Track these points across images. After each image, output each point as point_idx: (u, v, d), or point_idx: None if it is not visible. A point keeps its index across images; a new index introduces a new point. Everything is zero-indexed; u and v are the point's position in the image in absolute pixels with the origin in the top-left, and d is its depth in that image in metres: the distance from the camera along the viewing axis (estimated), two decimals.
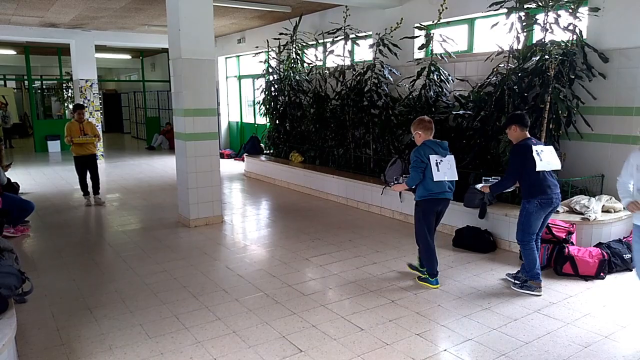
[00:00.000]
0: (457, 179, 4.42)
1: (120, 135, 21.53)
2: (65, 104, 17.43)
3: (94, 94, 12.80)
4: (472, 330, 3.63)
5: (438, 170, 4.26)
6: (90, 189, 7.98)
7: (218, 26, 11.79)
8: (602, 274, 4.58)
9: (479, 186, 4.67)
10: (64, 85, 17.18)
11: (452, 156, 4.40)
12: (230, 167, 12.11)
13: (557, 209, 4.63)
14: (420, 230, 4.51)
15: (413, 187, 4.47)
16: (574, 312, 3.92)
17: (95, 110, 12.90)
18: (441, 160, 4.31)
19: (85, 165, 7.73)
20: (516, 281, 4.44)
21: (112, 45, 14.15)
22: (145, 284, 4.57)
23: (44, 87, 21.23)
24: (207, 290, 4.39)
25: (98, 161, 12.89)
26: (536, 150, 4.17)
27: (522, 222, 4.31)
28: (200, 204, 6.57)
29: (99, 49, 13.61)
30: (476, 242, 5.44)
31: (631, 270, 4.75)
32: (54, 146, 15.34)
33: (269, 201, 8.47)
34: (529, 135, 4.34)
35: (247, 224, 6.94)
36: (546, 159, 4.19)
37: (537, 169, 4.11)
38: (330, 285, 4.53)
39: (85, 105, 7.85)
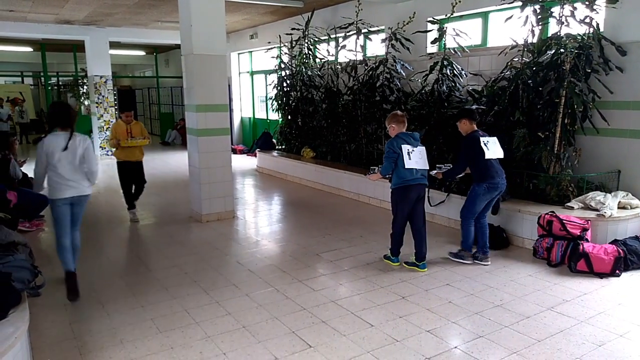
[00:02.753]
0: (427, 168, 4.77)
1: None
2: (81, 100, 17.62)
3: (108, 90, 12.91)
4: (484, 327, 3.59)
5: (410, 159, 4.61)
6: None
7: (230, 22, 11.80)
8: (617, 271, 4.50)
9: (432, 172, 5.00)
10: (79, 81, 17.37)
11: (424, 147, 4.76)
12: (243, 162, 12.15)
13: (504, 196, 5.25)
14: (396, 218, 4.85)
15: (387, 175, 4.79)
16: (588, 310, 3.85)
17: (110, 107, 13.02)
18: (413, 150, 4.66)
19: (131, 173, 6.60)
20: (461, 259, 4.93)
21: (126, 42, 14.26)
22: (157, 278, 4.60)
23: (60, 83, 21.48)
24: (217, 285, 4.40)
25: (112, 158, 13.16)
26: (483, 141, 4.74)
27: (469, 201, 4.88)
28: (212, 200, 6.60)
29: (113, 45, 13.72)
30: (489, 238, 5.34)
31: None
32: None
33: (280, 196, 8.47)
34: (476, 128, 4.91)
35: (259, 219, 6.95)
36: (492, 148, 4.78)
37: (486, 157, 4.69)
38: (340, 281, 4.52)
39: (132, 105, 6.99)
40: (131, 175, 6.63)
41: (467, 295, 4.14)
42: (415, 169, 4.63)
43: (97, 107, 12.85)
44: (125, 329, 3.59)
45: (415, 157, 4.63)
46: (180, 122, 16.05)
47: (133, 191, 6.74)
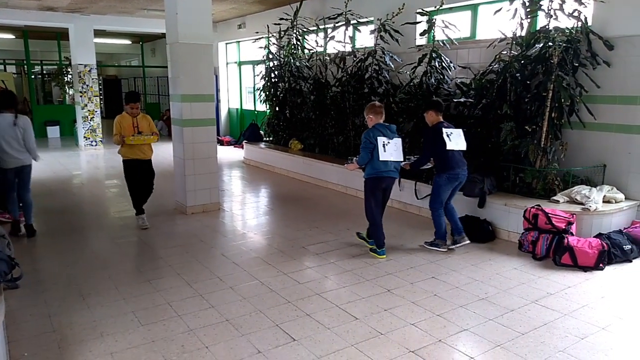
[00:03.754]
0: (402, 160, 4.88)
1: None
2: (65, 89, 17.32)
3: (92, 79, 12.69)
4: (468, 320, 3.58)
5: (385, 151, 4.69)
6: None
7: (218, 11, 11.64)
8: (601, 265, 4.53)
9: (402, 164, 5.05)
10: (64, 70, 17.06)
11: (400, 139, 4.84)
12: (230, 154, 12.04)
13: (465, 183, 5.23)
14: (368, 206, 4.93)
15: (363, 166, 4.88)
16: (572, 303, 3.87)
17: (95, 96, 12.80)
18: (388, 142, 4.73)
19: (138, 172, 5.81)
20: (436, 247, 5.06)
21: (112, 30, 13.98)
22: (140, 271, 4.53)
23: (44, 72, 21.09)
24: (201, 277, 4.35)
25: (96, 148, 13.02)
26: (446, 133, 4.86)
27: (434, 192, 5.06)
28: (198, 191, 6.52)
29: (98, 33, 13.45)
30: (475, 231, 5.38)
31: (631, 262, 4.71)
32: (53, 132, 15.29)
33: (267, 189, 8.41)
34: (442, 120, 5.04)
35: (245, 211, 6.89)
36: (455, 140, 4.88)
37: (447, 148, 4.80)
38: (326, 273, 4.49)
39: (139, 94, 5.96)
40: (139, 175, 5.82)
41: (452, 288, 4.14)
42: (389, 161, 4.74)
43: (81, 96, 12.62)
44: (106, 322, 3.52)
45: (390, 149, 4.72)
46: (166, 112, 15.85)
47: (142, 194, 5.95)
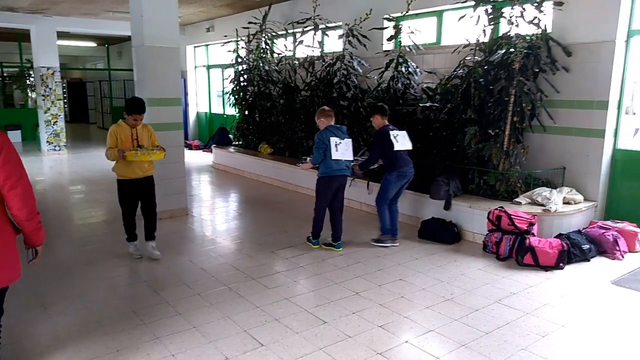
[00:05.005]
0: (352, 159, 5.17)
1: (86, 126, 20.92)
2: (27, 92, 16.80)
3: (56, 82, 12.36)
4: (434, 321, 3.65)
5: (337, 151, 4.99)
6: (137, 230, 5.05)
7: (185, 14, 11.52)
8: (561, 264, 4.68)
9: (351, 164, 5.31)
10: (25, 73, 16.55)
11: (350, 140, 5.14)
12: (198, 158, 11.91)
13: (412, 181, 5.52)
14: (318, 203, 5.22)
15: (317, 165, 5.14)
16: (534, 302, 3.98)
17: (58, 100, 12.47)
18: (340, 142, 5.03)
19: (136, 193, 4.86)
20: (381, 243, 5.32)
21: (76, 32, 13.66)
22: (105, 278, 4.44)
23: (4, 74, 20.40)
24: (168, 284, 4.29)
25: (60, 153, 12.67)
26: (393, 135, 5.21)
27: (382, 189, 5.34)
28: (165, 196, 6.42)
29: (62, 35, 13.12)
30: (441, 233, 5.49)
31: (589, 261, 4.88)
32: (14, 136, 14.75)
33: (237, 193, 8.36)
34: (387, 123, 5.37)
35: (214, 216, 6.83)
36: (401, 141, 5.25)
37: (395, 149, 5.16)
38: (295, 278, 4.49)
39: (144, 102, 4.70)
40: (136, 196, 4.88)
41: (419, 290, 4.21)
42: (341, 160, 5.03)
43: (44, 99, 12.27)
44: (69, 333, 3.43)
45: (341, 149, 5.02)
46: None
47: (145, 218, 4.99)
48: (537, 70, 5.65)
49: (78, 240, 5.60)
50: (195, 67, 14.14)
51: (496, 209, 5.16)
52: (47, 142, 12.43)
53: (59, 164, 11.13)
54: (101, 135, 17.44)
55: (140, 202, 4.94)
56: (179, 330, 3.47)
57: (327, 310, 3.81)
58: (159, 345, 3.27)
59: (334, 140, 5.00)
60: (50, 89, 12.32)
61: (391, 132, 5.23)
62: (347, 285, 4.30)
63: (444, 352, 3.22)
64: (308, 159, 5.31)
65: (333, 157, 4.97)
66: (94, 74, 21.75)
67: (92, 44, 17.95)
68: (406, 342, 3.36)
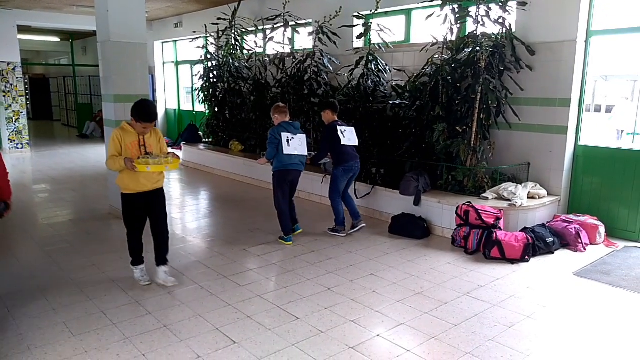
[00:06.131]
0: (306, 154, 5.32)
1: (50, 123, 20.29)
2: None
3: (17, 78, 11.95)
4: (405, 314, 3.71)
5: (289, 146, 5.14)
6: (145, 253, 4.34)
7: (153, 9, 11.31)
8: (526, 257, 4.82)
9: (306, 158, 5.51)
10: None
11: (304, 135, 5.32)
12: None
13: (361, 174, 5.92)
14: (276, 197, 5.35)
15: (272, 160, 5.28)
16: (500, 294, 4.10)
17: (20, 96, 12.06)
18: (292, 138, 5.19)
19: (144, 209, 4.17)
20: (336, 233, 5.59)
21: (38, 27, 13.24)
22: (71, 279, 4.33)
23: None
24: (137, 284, 4.21)
25: (22, 151, 12.26)
26: (341, 130, 5.41)
27: (332, 183, 5.58)
28: None
29: (23, 30, 12.70)
30: (411, 228, 5.57)
31: (553, 253, 5.05)
32: None
33: (207, 191, 8.28)
34: (336, 119, 5.60)
35: (184, 215, 6.75)
36: (348, 136, 5.46)
37: (342, 143, 5.37)
38: (267, 275, 4.49)
39: (156, 108, 4.12)
40: (145, 212, 4.19)
41: (390, 284, 4.27)
42: (294, 154, 5.19)
43: (4, 96, 11.85)
44: (34, 334, 3.35)
45: (294, 144, 5.18)
46: (99, 113, 15.20)
47: (155, 238, 4.25)
48: (502, 68, 5.79)
49: (43, 240, 5.44)
50: (164, 63, 13.90)
51: (464, 204, 5.27)
52: (9, 140, 12.02)
53: (22, 163, 10.78)
54: (66, 133, 16.98)
55: (149, 220, 4.21)
56: (149, 330, 3.42)
57: (299, 306, 3.83)
58: (129, 345, 3.22)
59: (285, 135, 5.16)
60: (12, 85, 11.90)
61: (339, 128, 5.43)
62: (319, 281, 4.33)
63: (414, 345, 3.28)
64: (262, 154, 5.51)
65: (285, 152, 5.13)
66: (57, 69, 21.10)
67: (56, 39, 17.41)
68: (378, 335, 3.40)
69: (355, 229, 5.66)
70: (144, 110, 3.87)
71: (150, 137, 4.06)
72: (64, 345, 3.21)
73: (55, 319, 3.58)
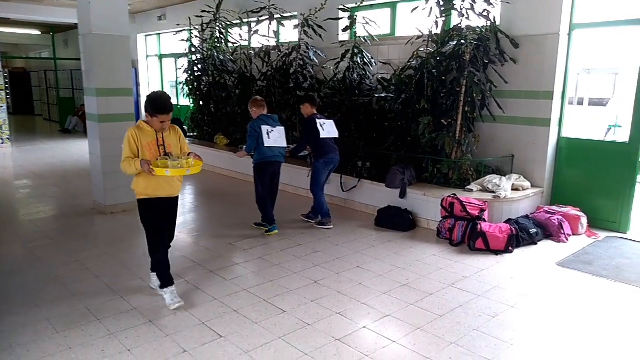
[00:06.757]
0: (285, 146, 5.38)
1: (31, 118, 19.95)
2: None
3: None
4: (391, 306, 3.73)
5: (269, 138, 5.19)
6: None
7: (136, 2, 11.16)
8: (510, 248, 4.88)
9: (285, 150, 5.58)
10: None
11: (283, 127, 5.38)
12: None
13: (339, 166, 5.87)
14: (257, 189, 5.41)
15: (252, 153, 5.35)
16: (485, 284, 4.15)
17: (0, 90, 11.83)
18: (272, 130, 5.24)
19: (164, 215, 3.76)
20: (310, 220, 5.75)
21: (18, 19, 12.97)
22: (55, 275, 4.28)
23: None
24: (122, 279, 4.18)
25: (2, 146, 12.02)
26: (320, 123, 5.45)
27: (314, 176, 5.63)
28: (117, 190, 6.23)
29: (2, 22, 12.43)
30: (397, 221, 5.60)
31: (536, 244, 5.12)
32: None
33: (192, 185, 8.22)
34: (315, 112, 5.65)
35: None
36: (327, 129, 5.50)
37: (321, 136, 5.41)
38: (254, 269, 4.48)
39: (171, 100, 3.61)
40: (163, 219, 3.77)
41: (376, 277, 4.29)
42: (274, 147, 5.24)
43: None
44: (17, 332, 3.30)
45: (274, 137, 5.23)
46: (81, 107, 14.96)
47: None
48: (486, 61, 5.83)
49: (25, 237, 5.36)
50: (147, 56, 13.74)
51: (449, 196, 5.31)
52: None
53: (3, 158, 10.58)
54: (48, 127, 16.71)
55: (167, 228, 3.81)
56: (135, 325, 3.40)
57: (286, 299, 3.83)
58: (114, 340, 3.20)
59: (265, 128, 5.20)
60: None
61: (318, 121, 5.47)
62: (305, 274, 4.33)
63: (400, 336, 3.30)
64: (243, 147, 5.50)
65: (265, 145, 5.17)
66: (38, 63, 20.73)
67: (36, 32, 17.09)
68: (364, 327, 3.42)
69: (319, 226, 5.64)
70: (159, 101, 3.51)
71: (169, 136, 3.69)
72: (47, 342, 3.17)
73: (39, 315, 3.53)
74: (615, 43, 6.30)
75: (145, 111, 3.58)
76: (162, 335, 3.27)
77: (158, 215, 3.70)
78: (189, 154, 3.67)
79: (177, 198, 3.87)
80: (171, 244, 3.92)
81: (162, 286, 3.75)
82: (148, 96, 3.57)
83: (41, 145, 12.31)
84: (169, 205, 3.78)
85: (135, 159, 3.50)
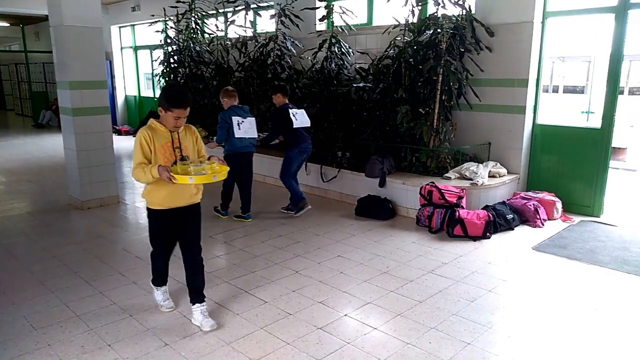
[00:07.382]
0: (256, 136, 5.44)
1: (3, 113, 19.45)
2: None
3: None
4: (372, 294, 3.77)
5: (240, 129, 5.23)
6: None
7: None
8: (488, 234, 4.97)
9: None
10: None
11: (253, 118, 5.42)
12: (129, 144, 11.41)
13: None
14: (226, 179, 5.22)
15: (222, 144, 5.41)
16: (463, 270, 4.22)
17: None
18: (242, 121, 5.27)
19: (175, 228, 3.32)
20: (290, 211, 5.77)
21: None
22: (31, 272, 4.20)
23: None
24: (101, 274, 4.13)
25: None
26: (292, 113, 5.49)
27: (285, 165, 5.71)
28: (93, 184, 6.14)
29: None
30: (377, 209, 5.64)
31: (513, 229, 5.22)
32: None
33: None
34: (287, 102, 5.69)
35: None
36: (300, 119, 5.53)
37: (294, 126, 5.46)
38: (235, 261, 4.48)
39: (188, 93, 3.16)
40: (177, 233, 3.34)
41: (357, 265, 4.33)
42: (245, 137, 5.29)
43: None
44: None
45: (244, 127, 5.27)
46: (54, 101, 14.62)
47: (187, 268, 3.38)
48: (462, 50, 5.88)
49: None
50: (122, 48, 13.48)
51: (427, 184, 5.37)
52: None
53: None
54: (20, 122, 16.31)
55: (179, 243, 3.36)
56: (115, 320, 3.37)
57: (267, 290, 3.84)
58: (94, 336, 3.17)
59: (236, 119, 5.22)
60: None
61: (290, 110, 5.51)
62: (287, 264, 4.34)
63: (381, 322, 3.34)
64: (215, 138, 5.53)
65: (236, 136, 5.21)
66: (8, 56, 20.14)
67: (5, 24, 16.60)
68: (345, 315, 3.46)
69: (299, 213, 5.71)
70: (174, 93, 3.06)
71: (185, 137, 3.22)
72: (24, 340, 3.12)
73: (16, 313, 3.47)
74: (589, 31, 6.41)
75: (159, 105, 3.08)
76: (142, 330, 3.25)
77: (170, 229, 3.31)
78: (208, 158, 3.26)
79: (195, 206, 3.35)
80: (200, 257, 3.36)
81: (154, 283, 3.56)
82: (163, 88, 3.22)
83: (14, 141, 12.03)
84: (184, 216, 3.27)
85: (151, 166, 2.99)
